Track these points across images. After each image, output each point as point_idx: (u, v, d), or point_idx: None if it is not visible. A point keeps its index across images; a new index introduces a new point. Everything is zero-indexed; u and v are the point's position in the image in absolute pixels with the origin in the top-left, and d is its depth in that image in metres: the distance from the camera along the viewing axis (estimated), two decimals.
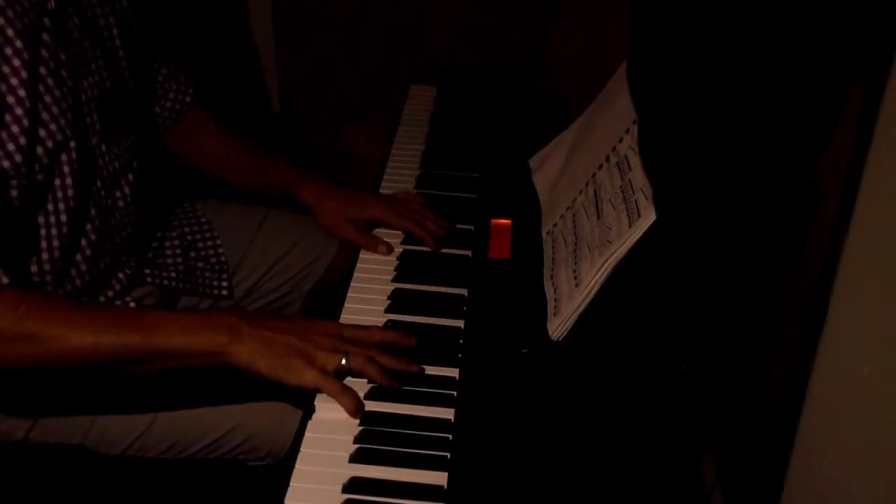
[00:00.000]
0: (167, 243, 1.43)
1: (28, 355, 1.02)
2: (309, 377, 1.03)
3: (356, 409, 1.03)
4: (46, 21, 1.10)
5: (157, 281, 1.36)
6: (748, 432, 1.06)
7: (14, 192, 1.09)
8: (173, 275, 1.40)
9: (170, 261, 1.42)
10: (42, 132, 1.10)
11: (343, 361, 1.05)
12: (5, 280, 1.02)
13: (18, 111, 1.07)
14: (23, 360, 1.03)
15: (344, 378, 1.06)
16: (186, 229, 1.48)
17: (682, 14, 1.09)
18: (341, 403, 1.03)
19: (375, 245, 1.32)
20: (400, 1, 2.18)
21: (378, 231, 1.37)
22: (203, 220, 1.51)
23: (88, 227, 1.20)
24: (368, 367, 1.05)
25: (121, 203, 1.26)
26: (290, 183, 1.43)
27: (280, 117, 2.39)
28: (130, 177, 1.27)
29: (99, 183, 1.21)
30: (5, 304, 1.01)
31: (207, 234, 1.49)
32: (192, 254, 1.47)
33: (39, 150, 1.10)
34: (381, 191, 1.46)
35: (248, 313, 1.14)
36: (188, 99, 1.49)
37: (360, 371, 1.06)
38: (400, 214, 1.35)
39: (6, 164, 1.07)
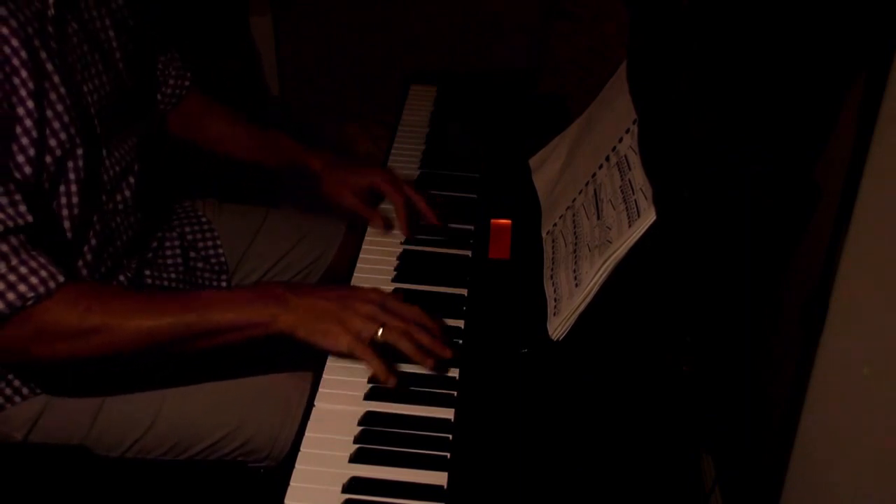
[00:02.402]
0: (167, 243, 1.43)
1: (96, 346, 1.06)
2: (343, 342, 1.06)
3: (387, 374, 1.05)
4: (49, 28, 1.10)
5: (157, 282, 1.36)
6: (748, 432, 1.06)
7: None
8: (173, 275, 1.40)
9: (170, 261, 1.42)
10: (52, 141, 1.10)
11: (379, 333, 1.07)
12: (61, 278, 1.04)
13: (28, 122, 1.07)
14: (90, 351, 1.06)
15: (378, 349, 1.08)
16: (187, 229, 1.48)
17: (681, 13, 1.09)
18: (372, 368, 1.06)
19: (372, 215, 1.37)
20: (400, 1, 2.18)
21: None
22: (203, 220, 1.51)
23: (90, 232, 1.20)
24: (402, 341, 1.07)
25: (122, 207, 1.26)
26: (298, 154, 1.46)
27: (280, 117, 2.39)
28: (132, 180, 1.27)
29: (101, 188, 1.22)
30: (66, 300, 1.04)
31: (207, 235, 1.49)
32: (192, 254, 1.46)
33: (48, 158, 1.10)
34: None
35: (293, 284, 1.17)
36: (187, 83, 1.50)
37: (395, 344, 1.08)
38: (400, 184, 1.38)
39: (17, 175, 1.07)
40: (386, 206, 1.40)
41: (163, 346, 1.08)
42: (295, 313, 1.07)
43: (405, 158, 1.56)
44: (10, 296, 1.01)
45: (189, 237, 1.48)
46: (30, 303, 1.02)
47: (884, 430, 0.72)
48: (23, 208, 1.04)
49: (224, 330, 1.08)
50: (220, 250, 1.49)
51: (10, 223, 1.02)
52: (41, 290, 1.03)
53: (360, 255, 1.31)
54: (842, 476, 0.80)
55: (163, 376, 1.25)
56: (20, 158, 1.06)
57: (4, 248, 1.02)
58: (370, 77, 2.27)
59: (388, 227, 1.35)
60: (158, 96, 1.47)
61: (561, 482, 0.96)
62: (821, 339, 0.82)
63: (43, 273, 1.03)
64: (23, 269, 1.02)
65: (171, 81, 1.48)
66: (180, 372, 1.25)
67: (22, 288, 1.02)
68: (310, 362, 1.17)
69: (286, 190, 2.37)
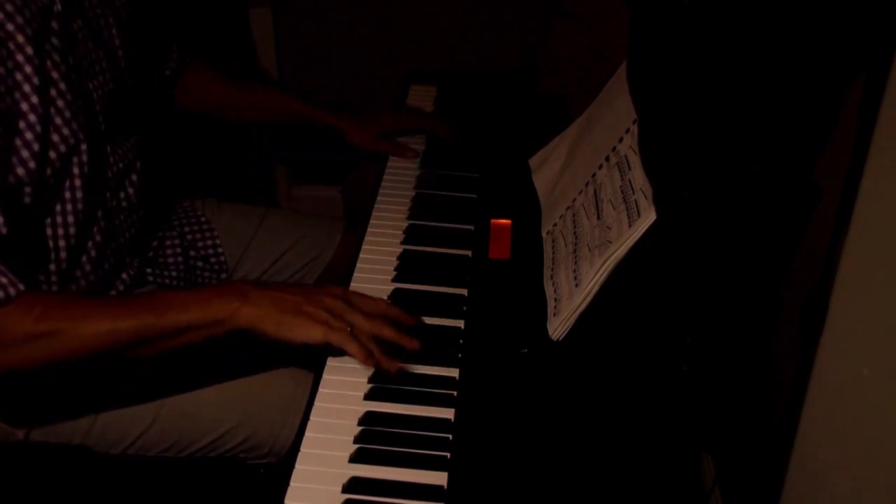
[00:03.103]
0: (167, 242, 1.43)
1: (48, 352, 1.04)
2: (316, 333, 1.05)
3: (366, 357, 1.04)
4: (54, 24, 1.10)
5: (159, 280, 1.37)
6: (748, 432, 1.06)
7: (27, 199, 1.09)
8: (174, 273, 1.40)
9: (170, 260, 1.42)
10: (55, 137, 1.10)
11: (348, 330, 1.06)
12: (21, 286, 1.03)
13: (32, 118, 1.07)
14: (43, 357, 1.04)
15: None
16: (186, 229, 1.49)
17: (681, 13, 1.09)
18: (350, 352, 1.05)
19: (404, 151, 1.54)
20: (400, 1, 2.18)
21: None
22: (203, 219, 1.51)
23: (94, 229, 1.20)
24: (370, 344, 1.06)
25: (125, 204, 1.26)
26: (314, 113, 1.56)
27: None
28: (134, 177, 1.28)
29: (105, 185, 1.22)
30: (21, 308, 1.02)
31: (207, 234, 1.50)
32: (192, 253, 1.47)
33: (52, 154, 1.10)
34: (381, 191, 1.46)
35: (257, 281, 1.16)
36: (189, 58, 1.52)
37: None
38: (411, 118, 1.61)
39: (20, 170, 1.07)
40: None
41: (123, 348, 1.06)
42: (258, 307, 1.05)
43: (405, 158, 1.56)
44: None
45: (189, 237, 1.48)
46: None
47: (884, 430, 0.72)
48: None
49: (184, 329, 1.06)
50: (220, 249, 1.49)
51: None
52: (0, 295, 1.01)
53: (360, 255, 1.31)
54: (842, 476, 0.80)
55: (164, 374, 1.25)
56: (24, 153, 1.07)
57: None
58: (370, 77, 2.26)
59: (417, 155, 1.54)
60: (166, 72, 1.49)
61: (561, 482, 0.96)
62: (821, 339, 0.82)
63: (3, 280, 1.02)
64: None
65: (175, 56, 1.50)
66: (181, 369, 1.25)
67: None
68: (310, 359, 1.17)
69: (286, 190, 2.37)
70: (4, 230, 1.04)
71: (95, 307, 1.07)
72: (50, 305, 1.04)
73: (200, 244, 1.49)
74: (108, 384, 1.23)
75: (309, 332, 1.05)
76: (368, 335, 1.07)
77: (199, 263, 1.47)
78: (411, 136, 1.61)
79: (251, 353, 1.30)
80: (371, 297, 1.14)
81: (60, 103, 1.10)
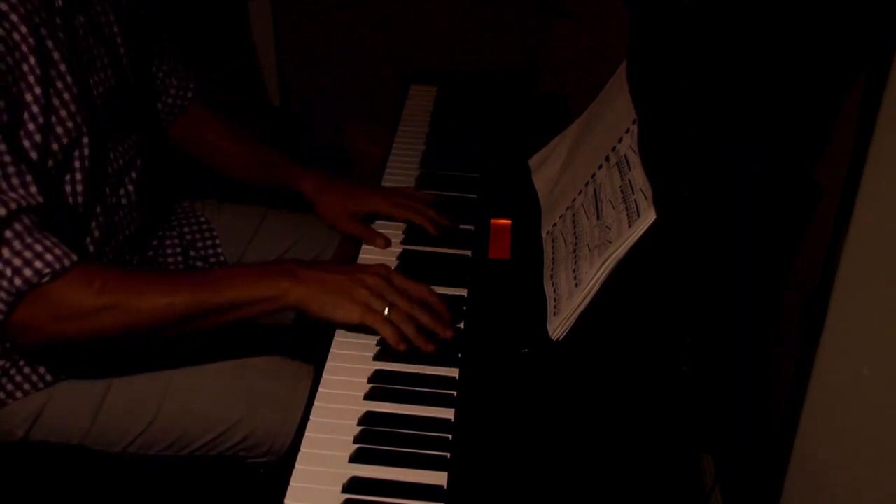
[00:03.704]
0: (167, 242, 1.43)
1: (111, 324, 1.07)
2: (355, 314, 1.10)
3: (398, 342, 1.09)
4: (57, 19, 1.11)
5: None
6: (748, 432, 1.06)
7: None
8: None
9: (170, 259, 1.42)
10: (59, 129, 1.11)
11: (386, 311, 1.10)
12: (74, 257, 1.06)
13: (35, 108, 1.07)
14: (106, 329, 1.08)
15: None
16: (186, 229, 1.49)
17: (681, 13, 1.09)
18: (384, 335, 1.10)
19: (374, 238, 1.33)
20: (400, 1, 2.18)
21: (379, 225, 1.37)
22: (202, 219, 1.51)
23: (93, 224, 1.20)
24: (405, 324, 1.11)
25: (124, 201, 1.27)
26: (291, 177, 1.45)
27: (281, 118, 2.39)
28: (134, 175, 1.28)
29: (105, 181, 1.22)
30: (80, 279, 1.05)
31: (207, 234, 1.50)
32: (192, 253, 1.47)
33: (55, 146, 1.11)
34: None
35: (301, 260, 1.18)
36: (189, 94, 1.49)
37: (398, 325, 1.10)
38: (399, 204, 1.37)
39: (27, 163, 1.07)
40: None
41: (178, 322, 1.09)
42: (306, 286, 1.10)
43: (405, 158, 1.56)
44: (27, 272, 1.03)
45: (188, 237, 1.48)
46: (45, 279, 1.03)
47: (884, 430, 0.72)
48: (34, 189, 1.05)
49: (237, 305, 1.10)
50: (220, 250, 1.50)
51: (24, 202, 1.04)
52: (57, 266, 1.04)
53: (360, 255, 1.31)
54: (842, 476, 0.80)
55: (165, 370, 1.25)
56: (26, 143, 1.07)
57: (19, 226, 1.03)
58: (370, 77, 2.27)
59: (388, 244, 1.33)
60: (159, 105, 1.47)
61: (561, 482, 0.96)
62: (821, 339, 0.82)
63: (57, 251, 1.05)
64: (38, 247, 1.04)
65: (173, 91, 1.48)
66: (182, 366, 1.26)
67: (38, 265, 1.03)
68: (311, 355, 1.17)
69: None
70: (40, 198, 1.06)
71: (153, 282, 1.10)
72: (109, 278, 1.08)
73: (200, 244, 1.49)
74: (110, 378, 1.24)
75: (348, 314, 1.10)
76: (406, 316, 1.11)
77: (199, 263, 1.47)
78: (412, 139, 1.61)
79: (251, 349, 1.30)
80: (413, 281, 1.17)
81: (66, 96, 1.11)
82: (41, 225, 1.06)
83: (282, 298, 1.10)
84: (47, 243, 1.05)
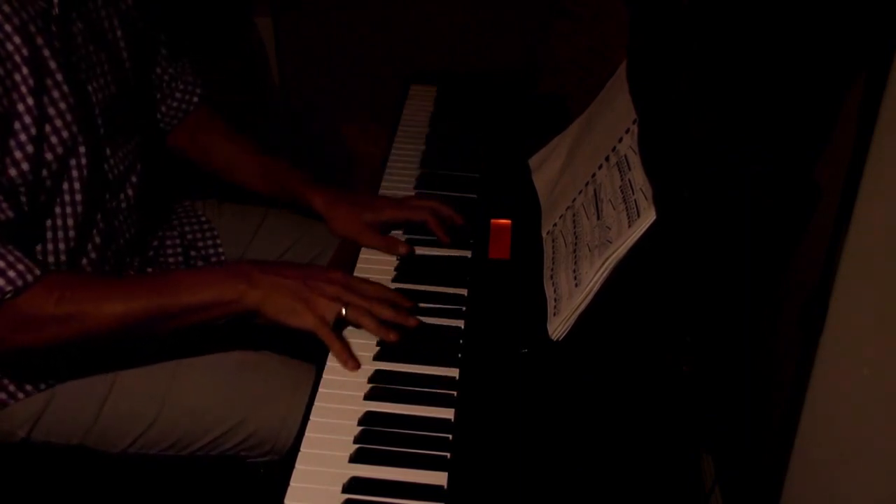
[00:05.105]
0: (168, 242, 1.43)
1: (70, 333, 1.08)
2: (308, 321, 1.10)
3: (347, 358, 1.08)
4: (53, 27, 1.11)
5: None
6: (748, 432, 1.06)
7: (23, 199, 1.10)
8: None
9: (171, 260, 1.42)
10: (53, 139, 1.10)
11: (343, 312, 1.10)
12: (37, 272, 1.06)
13: (27, 119, 1.07)
14: (65, 338, 1.09)
15: (344, 327, 1.12)
16: (187, 229, 1.49)
17: (681, 13, 1.09)
18: (332, 351, 1.09)
19: (396, 247, 1.30)
20: (400, 1, 2.18)
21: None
22: (203, 219, 1.51)
23: (94, 231, 1.20)
24: (365, 319, 1.11)
25: (124, 206, 1.27)
26: (301, 190, 1.40)
27: (281, 118, 2.39)
28: (134, 179, 1.28)
29: (105, 187, 1.22)
30: (41, 291, 1.06)
31: (208, 234, 1.50)
32: (193, 253, 1.47)
33: (49, 156, 1.10)
34: (381, 191, 1.46)
35: (261, 262, 1.19)
36: (195, 99, 1.48)
37: (356, 322, 1.11)
38: (413, 208, 1.35)
39: (13, 171, 1.07)
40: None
41: (137, 328, 1.10)
42: (261, 290, 1.10)
43: (405, 158, 1.56)
44: None
45: (189, 237, 1.48)
46: (8, 296, 1.04)
47: (884, 430, 0.72)
48: (4, 205, 1.05)
49: (194, 309, 1.10)
50: (220, 249, 1.50)
51: None
52: (19, 283, 1.05)
53: (360, 255, 1.31)
54: (842, 476, 0.80)
55: (166, 371, 1.25)
56: (17, 154, 1.07)
57: None
58: (370, 77, 2.27)
59: (410, 251, 1.30)
60: (163, 108, 1.46)
61: (561, 482, 0.96)
62: (821, 339, 0.82)
63: (20, 266, 1.05)
64: (0, 264, 1.04)
65: (178, 95, 1.47)
66: (184, 366, 1.25)
67: (0, 282, 1.04)
68: (311, 355, 1.17)
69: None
70: (10, 213, 1.06)
71: (111, 289, 1.11)
72: (67, 288, 1.08)
73: (201, 244, 1.49)
74: (111, 381, 1.24)
75: (302, 320, 1.10)
76: (364, 311, 1.11)
77: (200, 263, 1.47)
78: (412, 139, 1.61)
79: (252, 348, 1.30)
80: (372, 283, 1.17)
81: (63, 105, 1.11)
82: (7, 238, 1.06)
83: (238, 302, 1.10)
84: (10, 258, 1.05)
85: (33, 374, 1.21)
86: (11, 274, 1.04)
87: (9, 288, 1.04)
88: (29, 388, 1.21)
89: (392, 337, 1.11)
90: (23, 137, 1.07)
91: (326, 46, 2.26)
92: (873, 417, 0.74)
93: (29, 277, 1.05)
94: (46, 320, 1.07)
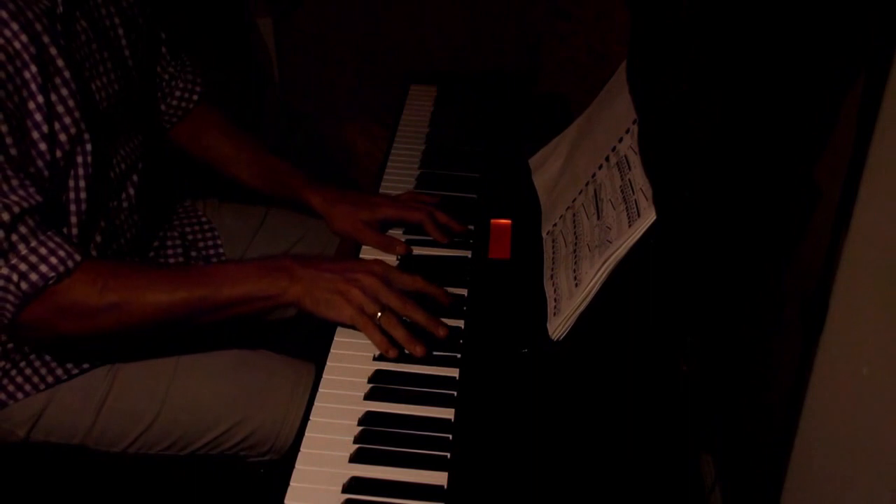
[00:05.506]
0: (168, 242, 1.43)
1: (113, 323, 1.10)
2: (346, 313, 1.11)
3: (388, 347, 1.09)
4: (58, 26, 1.11)
5: None
6: (748, 432, 1.06)
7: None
8: None
9: (171, 259, 1.42)
10: (62, 136, 1.11)
11: (378, 315, 1.11)
12: (78, 257, 1.08)
13: (38, 117, 1.08)
14: (108, 328, 1.11)
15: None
16: (187, 229, 1.49)
17: (681, 13, 1.09)
18: (373, 340, 1.10)
19: (393, 246, 1.30)
20: (400, 1, 2.18)
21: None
22: (203, 219, 1.51)
23: (96, 229, 1.20)
24: (397, 330, 1.11)
25: (126, 205, 1.27)
26: (299, 189, 1.40)
27: (281, 118, 2.39)
28: (136, 178, 1.28)
29: (107, 185, 1.22)
30: (85, 280, 1.08)
31: (208, 234, 1.50)
32: (193, 253, 1.47)
33: (58, 152, 1.11)
34: (381, 191, 1.46)
35: (300, 256, 1.20)
36: (195, 97, 1.48)
37: (389, 332, 1.11)
38: (411, 208, 1.35)
39: (30, 169, 1.08)
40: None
41: (178, 319, 1.12)
42: (302, 284, 1.12)
43: (405, 158, 1.56)
44: (33, 276, 1.05)
45: (190, 237, 1.48)
46: (51, 282, 1.06)
47: (884, 430, 0.72)
48: (33, 190, 1.06)
49: (236, 303, 1.12)
50: (221, 249, 1.50)
51: (26, 204, 1.05)
52: (61, 269, 1.06)
53: (360, 256, 1.31)
54: (842, 476, 0.80)
55: (166, 370, 1.25)
56: (32, 152, 1.07)
57: (23, 229, 1.05)
58: (370, 77, 2.27)
59: (408, 251, 1.30)
60: (163, 106, 1.46)
61: (561, 482, 0.96)
62: (821, 339, 0.82)
63: (61, 253, 1.06)
64: (43, 250, 1.05)
65: (178, 94, 1.47)
66: (184, 366, 1.26)
67: (43, 268, 1.05)
68: (311, 354, 1.17)
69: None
70: (39, 198, 1.06)
71: (154, 279, 1.12)
72: (111, 277, 1.10)
73: (201, 244, 1.49)
74: (111, 379, 1.24)
75: (340, 313, 1.11)
76: (397, 321, 1.11)
77: (201, 263, 1.47)
78: (411, 139, 1.61)
79: (251, 347, 1.30)
80: (410, 275, 1.17)
81: (71, 102, 1.11)
82: (45, 224, 1.07)
83: (280, 297, 1.12)
84: (51, 245, 1.06)
85: (34, 374, 1.21)
86: (54, 260, 1.06)
87: (52, 274, 1.05)
88: (28, 388, 1.21)
89: (419, 352, 1.10)
90: (35, 135, 1.08)
91: (326, 46, 2.26)
92: (873, 417, 0.74)
93: (70, 263, 1.06)
94: (90, 310, 1.08)
